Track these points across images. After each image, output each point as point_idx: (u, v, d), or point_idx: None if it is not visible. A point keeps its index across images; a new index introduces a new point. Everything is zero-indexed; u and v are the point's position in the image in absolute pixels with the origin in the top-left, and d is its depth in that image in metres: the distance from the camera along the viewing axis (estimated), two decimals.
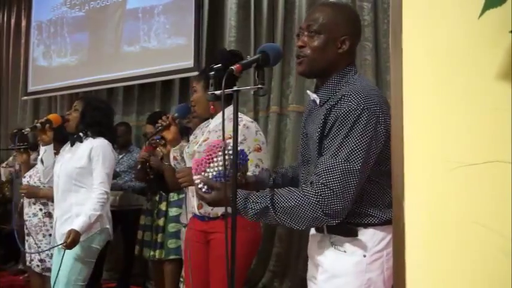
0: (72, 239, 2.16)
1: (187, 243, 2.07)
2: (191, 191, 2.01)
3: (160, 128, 2.07)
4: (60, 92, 5.03)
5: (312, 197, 1.12)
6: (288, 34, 3.50)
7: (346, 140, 1.13)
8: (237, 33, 3.72)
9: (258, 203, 1.18)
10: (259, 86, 1.23)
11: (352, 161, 1.12)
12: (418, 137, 0.90)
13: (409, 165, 0.89)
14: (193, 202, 2.00)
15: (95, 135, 2.39)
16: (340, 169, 1.12)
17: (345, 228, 1.20)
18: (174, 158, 2.11)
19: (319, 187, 1.12)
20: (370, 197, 1.21)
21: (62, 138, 2.62)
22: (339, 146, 1.14)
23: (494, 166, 0.81)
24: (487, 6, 0.78)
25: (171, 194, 3.08)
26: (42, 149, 2.56)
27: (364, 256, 1.19)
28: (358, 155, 1.12)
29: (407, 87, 0.91)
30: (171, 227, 3.02)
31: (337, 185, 1.11)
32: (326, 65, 1.24)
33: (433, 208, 0.87)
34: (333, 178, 1.12)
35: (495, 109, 0.83)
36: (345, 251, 1.21)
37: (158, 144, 2.32)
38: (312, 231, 1.34)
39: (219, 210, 1.86)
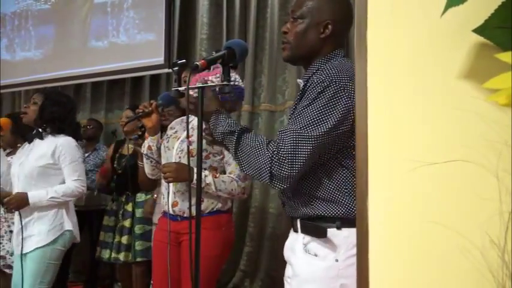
0: (16, 203, 2.04)
1: (156, 245, 2.00)
2: (166, 188, 1.94)
3: (141, 113, 1.93)
4: (24, 87, 4.83)
5: (268, 152, 1.14)
6: (260, 32, 3.48)
7: (308, 108, 1.14)
8: (208, 30, 3.68)
9: (230, 124, 1.22)
10: (225, 82, 1.20)
11: (308, 128, 1.12)
12: (382, 135, 0.89)
13: (373, 163, 0.88)
14: (168, 200, 1.93)
15: (54, 132, 2.25)
16: (294, 135, 1.12)
17: (317, 228, 1.15)
18: (149, 147, 2.01)
19: (275, 147, 1.14)
20: (341, 183, 1.17)
21: (22, 133, 2.50)
22: (299, 113, 1.15)
23: (456, 165, 0.81)
24: (449, 5, 0.77)
25: (138, 195, 3.00)
26: None
27: (337, 261, 1.13)
28: (316, 123, 1.12)
29: (372, 86, 0.91)
30: (138, 229, 2.93)
31: (288, 151, 1.11)
32: (308, 50, 1.24)
33: (395, 207, 0.86)
34: (286, 142, 1.12)
35: (457, 108, 0.83)
36: (315, 255, 1.16)
37: (137, 143, 2.24)
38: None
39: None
